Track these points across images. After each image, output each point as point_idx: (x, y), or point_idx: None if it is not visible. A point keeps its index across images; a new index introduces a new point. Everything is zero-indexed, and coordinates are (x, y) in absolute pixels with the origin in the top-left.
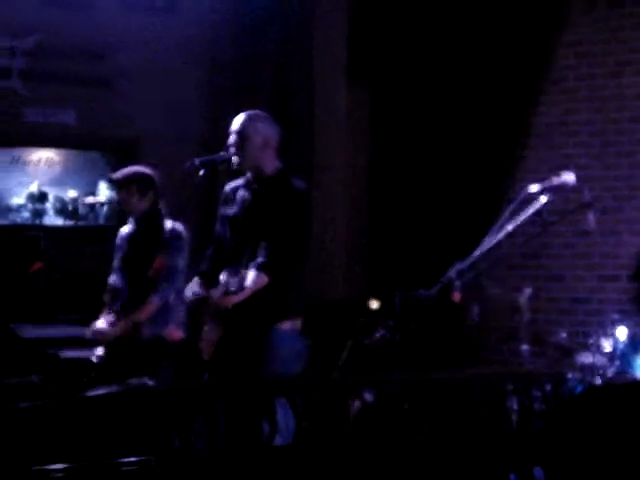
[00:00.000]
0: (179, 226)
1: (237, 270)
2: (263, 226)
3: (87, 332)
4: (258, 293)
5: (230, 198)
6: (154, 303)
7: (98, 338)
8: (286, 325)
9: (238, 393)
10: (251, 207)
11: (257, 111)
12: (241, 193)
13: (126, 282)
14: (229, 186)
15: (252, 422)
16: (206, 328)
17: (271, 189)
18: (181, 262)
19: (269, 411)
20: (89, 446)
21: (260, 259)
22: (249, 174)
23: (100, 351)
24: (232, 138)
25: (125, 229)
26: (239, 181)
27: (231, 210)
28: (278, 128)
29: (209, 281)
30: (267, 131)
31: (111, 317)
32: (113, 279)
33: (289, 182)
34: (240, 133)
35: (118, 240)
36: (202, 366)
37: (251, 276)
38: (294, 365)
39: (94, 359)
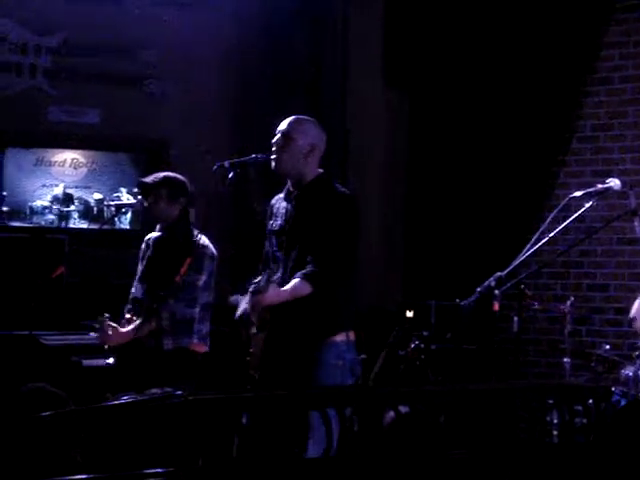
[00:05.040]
0: (207, 243)
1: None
2: (309, 235)
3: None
4: (309, 305)
5: (272, 212)
6: (152, 323)
7: (102, 343)
8: (339, 338)
9: (276, 404)
10: (295, 217)
11: (307, 116)
12: (283, 205)
13: (148, 289)
14: (273, 200)
15: (289, 433)
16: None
17: (313, 195)
18: (201, 281)
19: (306, 423)
20: (114, 456)
21: (308, 268)
22: (289, 183)
23: (111, 359)
24: (276, 138)
25: (152, 235)
26: (281, 194)
27: (275, 223)
28: (325, 136)
29: None
30: (315, 137)
31: (123, 323)
32: (135, 289)
33: (332, 187)
34: (286, 134)
35: (143, 247)
36: (250, 382)
37: (293, 282)
38: (345, 379)
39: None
